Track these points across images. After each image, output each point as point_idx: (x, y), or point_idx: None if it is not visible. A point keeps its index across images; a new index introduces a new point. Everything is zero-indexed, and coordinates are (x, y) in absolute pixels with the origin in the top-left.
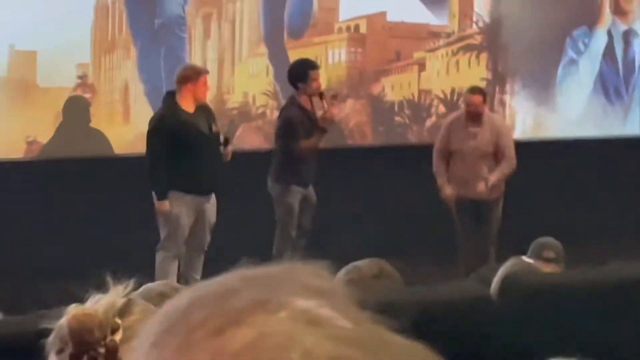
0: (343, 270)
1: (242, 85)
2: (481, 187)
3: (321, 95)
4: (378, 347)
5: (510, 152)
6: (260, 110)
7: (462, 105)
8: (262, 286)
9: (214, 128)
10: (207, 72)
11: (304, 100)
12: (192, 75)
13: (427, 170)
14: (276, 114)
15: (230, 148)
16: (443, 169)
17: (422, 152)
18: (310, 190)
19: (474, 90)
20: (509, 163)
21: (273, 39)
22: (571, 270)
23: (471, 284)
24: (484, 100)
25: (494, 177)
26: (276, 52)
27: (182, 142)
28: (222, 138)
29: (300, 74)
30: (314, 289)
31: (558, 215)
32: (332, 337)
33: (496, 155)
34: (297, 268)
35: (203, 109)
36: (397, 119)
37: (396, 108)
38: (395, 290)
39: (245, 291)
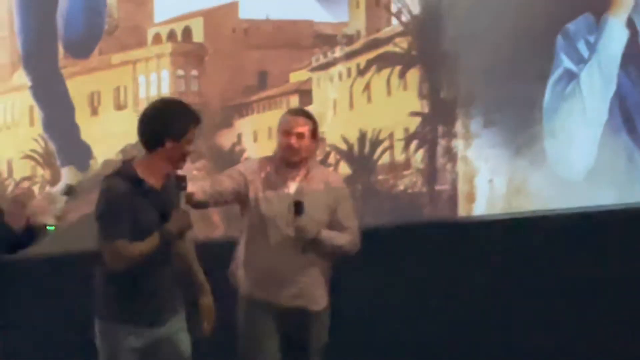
0: None
1: None
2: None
3: (180, 179)
4: None
5: (353, 225)
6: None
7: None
8: None
9: None
10: None
11: (150, 169)
12: None
13: None
14: (47, 191)
15: None
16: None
17: None
18: (169, 330)
19: (297, 112)
20: (352, 237)
21: (38, 60)
22: None
23: None
24: (315, 133)
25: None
26: (46, 82)
27: None
28: None
29: (177, 129)
30: None
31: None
32: None
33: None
34: None
35: None
36: None
37: None
38: None
39: None
